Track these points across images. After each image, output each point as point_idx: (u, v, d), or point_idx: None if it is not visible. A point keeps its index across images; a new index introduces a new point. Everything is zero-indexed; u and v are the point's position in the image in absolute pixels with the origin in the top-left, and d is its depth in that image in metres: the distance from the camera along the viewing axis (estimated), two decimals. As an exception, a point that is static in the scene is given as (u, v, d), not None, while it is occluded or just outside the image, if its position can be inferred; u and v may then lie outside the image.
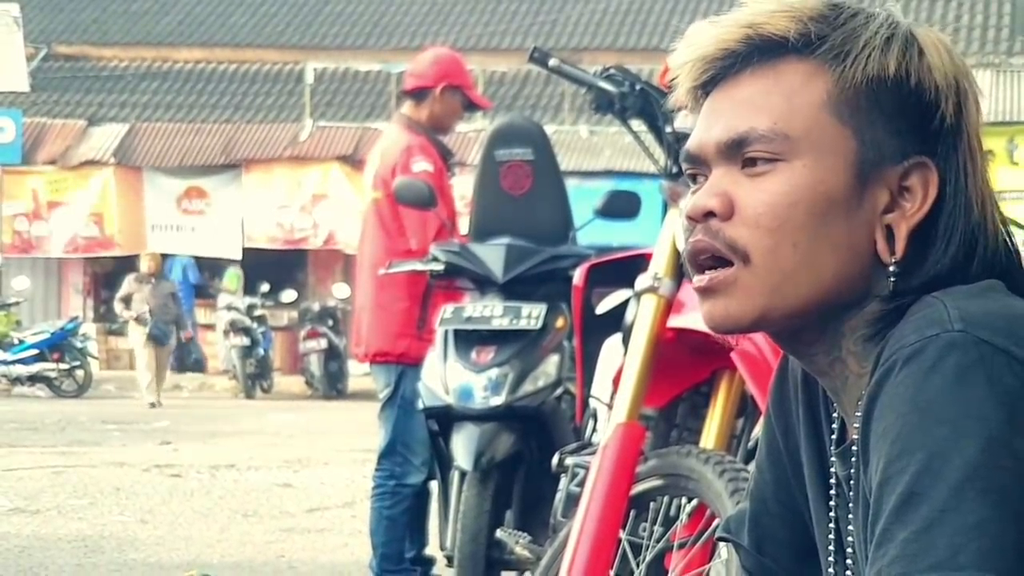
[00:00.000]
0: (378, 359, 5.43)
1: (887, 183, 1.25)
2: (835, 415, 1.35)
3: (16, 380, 19.02)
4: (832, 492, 1.34)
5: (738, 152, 1.26)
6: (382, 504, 5.42)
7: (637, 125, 3.64)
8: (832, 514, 1.35)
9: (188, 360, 21.03)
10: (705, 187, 1.28)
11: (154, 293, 17.85)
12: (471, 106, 5.61)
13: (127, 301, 17.90)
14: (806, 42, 1.26)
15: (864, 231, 1.25)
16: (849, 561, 1.33)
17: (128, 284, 18.12)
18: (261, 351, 19.73)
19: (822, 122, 1.25)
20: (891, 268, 1.25)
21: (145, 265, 18.22)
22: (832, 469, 1.34)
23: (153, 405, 16.82)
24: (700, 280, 1.27)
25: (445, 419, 4.70)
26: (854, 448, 1.27)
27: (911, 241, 1.26)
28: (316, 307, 20.59)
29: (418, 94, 5.47)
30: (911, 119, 1.25)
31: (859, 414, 1.24)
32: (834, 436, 1.35)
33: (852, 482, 1.29)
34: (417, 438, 5.26)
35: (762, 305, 1.25)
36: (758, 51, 1.27)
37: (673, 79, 1.32)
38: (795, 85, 1.26)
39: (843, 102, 1.25)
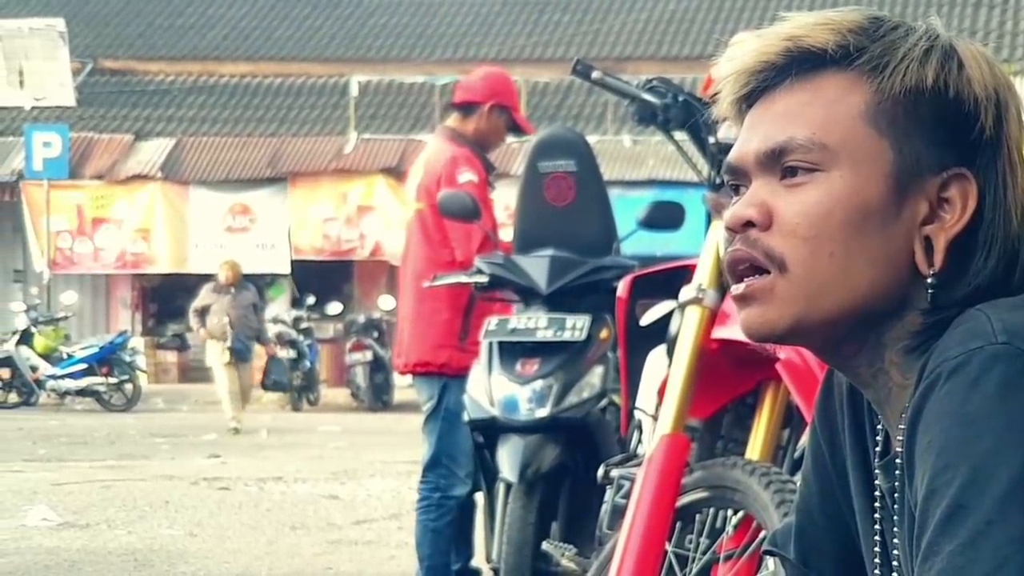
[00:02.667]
0: (419, 370, 5.44)
1: (926, 194, 1.25)
2: (880, 427, 1.34)
3: (65, 394, 19.15)
4: (877, 504, 1.34)
5: (777, 163, 1.27)
6: (427, 516, 5.43)
7: (680, 136, 3.63)
8: (877, 527, 1.34)
9: (268, 380, 19.02)
10: (744, 198, 1.29)
11: (234, 304, 16.05)
12: (515, 129, 5.61)
13: (203, 313, 16.11)
14: (844, 54, 1.26)
15: (902, 242, 1.25)
16: (895, 572, 1.32)
17: (205, 294, 16.33)
18: (307, 363, 19.79)
19: (860, 133, 1.25)
20: (929, 280, 1.25)
21: (223, 274, 16.36)
22: (876, 482, 1.34)
23: (237, 431, 14.91)
24: (737, 288, 1.28)
25: (490, 431, 4.70)
26: (898, 461, 1.27)
27: (950, 252, 1.25)
28: (362, 319, 20.64)
29: (466, 108, 5.49)
30: (950, 131, 1.25)
31: (903, 427, 1.24)
32: (878, 448, 1.34)
33: (896, 495, 1.29)
34: (461, 450, 5.27)
35: (798, 313, 1.26)
36: (798, 64, 1.27)
37: (715, 92, 1.33)
38: (834, 96, 1.26)
39: (881, 113, 1.25)
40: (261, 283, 21.79)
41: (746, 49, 1.29)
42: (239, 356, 15.87)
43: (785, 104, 1.27)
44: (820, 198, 1.25)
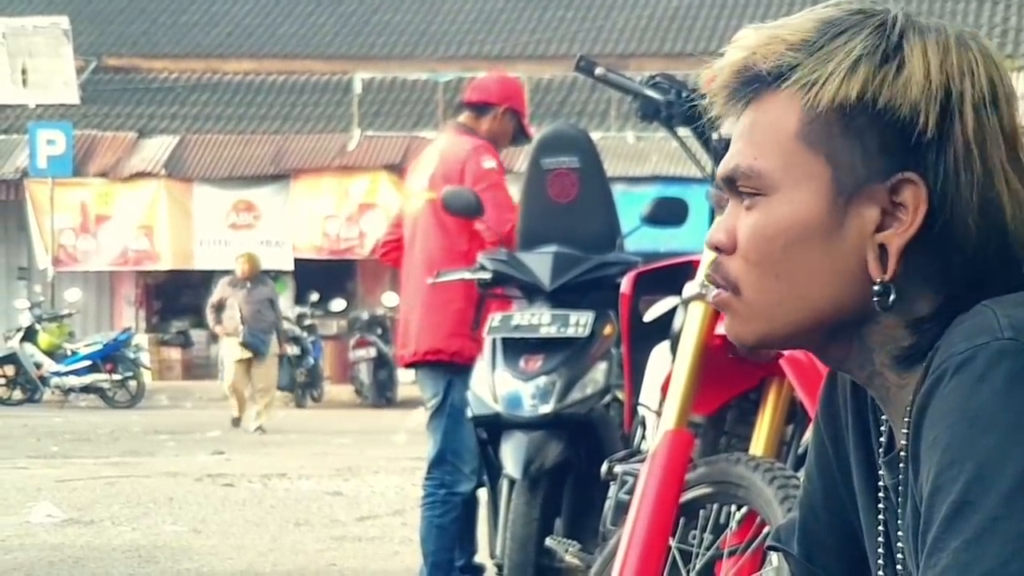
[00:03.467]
0: (429, 359, 5.42)
1: (877, 202, 1.25)
2: (883, 424, 1.34)
3: (69, 391, 19.17)
4: (881, 503, 1.34)
5: (734, 188, 1.30)
6: (432, 513, 5.43)
7: (683, 132, 3.64)
8: (881, 524, 1.35)
9: (282, 379, 18.39)
10: (718, 220, 1.32)
11: (248, 299, 15.57)
12: (521, 136, 5.62)
13: (219, 308, 15.67)
14: (777, 75, 1.26)
15: (852, 253, 1.25)
16: (899, 568, 1.32)
17: (221, 288, 15.94)
18: (311, 360, 19.80)
19: (795, 153, 1.26)
20: (875, 287, 1.25)
21: (240, 268, 15.92)
22: (880, 478, 1.34)
23: (261, 429, 14.74)
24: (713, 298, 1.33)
25: (494, 427, 4.70)
26: (902, 455, 1.27)
27: (912, 257, 1.24)
28: (365, 316, 20.66)
29: (480, 107, 5.55)
30: (886, 138, 1.24)
31: (908, 420, 1.24)
32: (882, 444, 1.34)
33: (900, 490, 1.29)
34: (467, 446, 5.27)
35: (757, 330, 1.29)
36: (748, 85, 1.28)
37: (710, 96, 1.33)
38: (772, 118, 1.27)
39: (813, 131, 1.25)
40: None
41: (711, 73, 1.30)
42: (255, 350, 15.40)
43: (740, 128, 1.29)
44: (763, 223, 1.26)
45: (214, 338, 17.60)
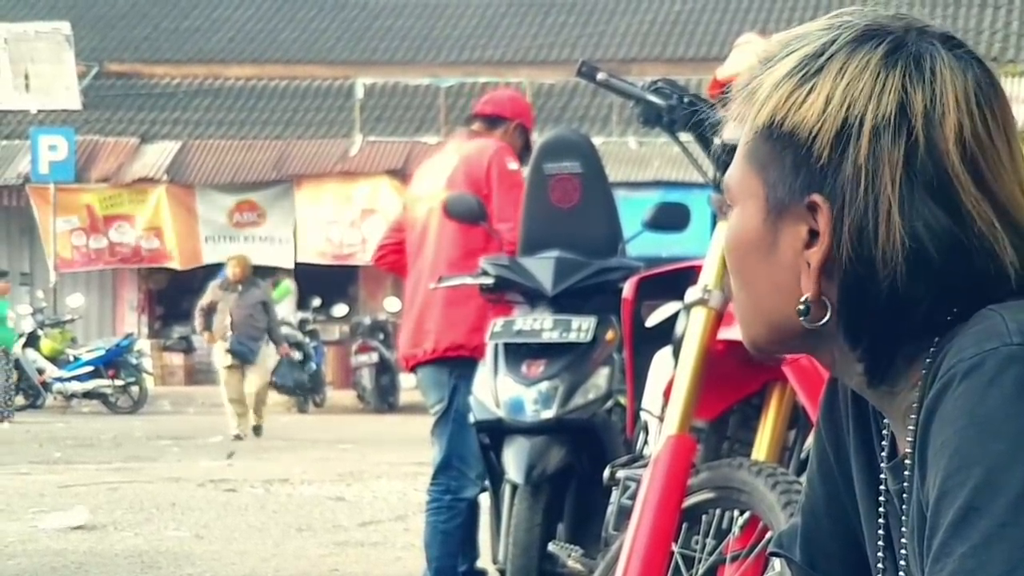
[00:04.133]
0: (449, 354, 5.38)
1: (804, 220, 1.27)
2: (885, 432, 1.35)
3: (72, 397, 19.17)
4: (882, 507, 1.34)
5: None
6: (438, 518, 5.43)
7: (685, 137, 3.64)
8: (881, 531, 1.35)
9: (275, 380, 18.06)
10: None
11: (239, 303, 15.01)
12: (525, 155, 5.64)
13: (208, 313, 15.15)
14: (749, 90, 1.31)
15: (789, 268, 1.28)
16: (902, 574, 1.32)
17: (212, 292, 15.38)
18: (313, 366, 19.79)
19: (743, 171, 1.31)
20: (799, 305, 1.27)
21: (231, 270, 15.33)
22: (882, 484, 1.34)
23: (239, 436, 14.40)
24: None
25: (496, 433, 4.71)
26: (907, 462, 1.27)
27: (843, 276, 1.25)
28: (367, 321, 20.66)
29: (493, 120, 5.60)
30: (797, 160, 1.27)
31: (912, 428, 1.24)
32: (884, 451, 1.35)
33: (905, 496, 1.29)
34: (472, 452, 5.27)
35: (747, 334, 1.34)
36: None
37: (725, 94, 1.36)
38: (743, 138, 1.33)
39: (751, 151, 1.30)
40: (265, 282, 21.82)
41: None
42: (242, 358, 14.91)
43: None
44: (728, 234, 1.33)
45: (188, 347, 17.19)
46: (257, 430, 14.57)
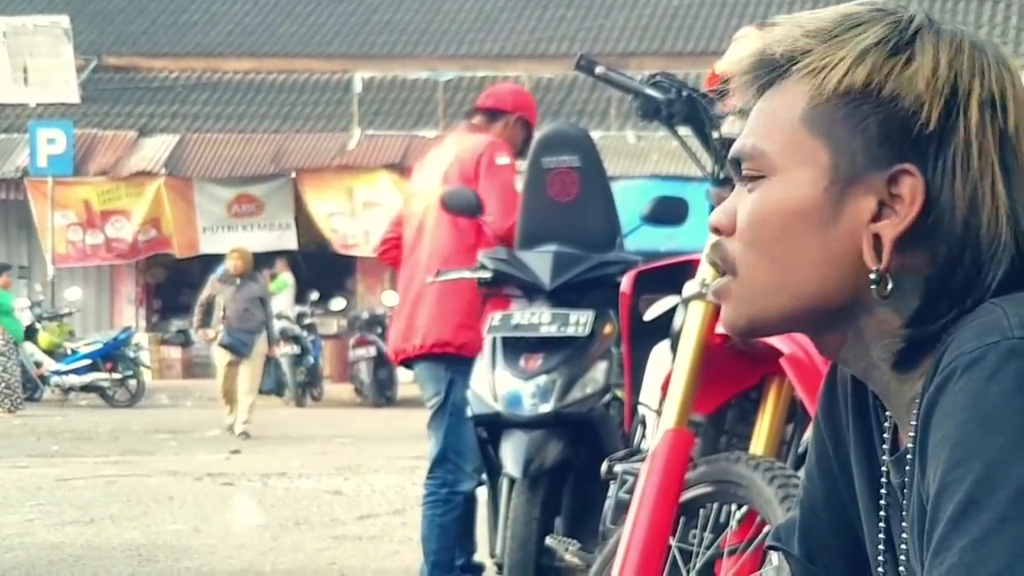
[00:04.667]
0: (435, 351, 5.40)
1: (874, 191, 1.25)
2: (887, 424, 1.34)
3: (69, 390, 19.17)
4: (883, 501, 1.34)
5: (739, 169, 1.32)
6: (435, 512, 5.44)
7: (684, 131, 3.63)
8: (882, 524, 1.34)
9: (267, 382, 17.66)
10: (721, 204, 1.33)
11: (236, 296, 14.58)
12: (527, 148, 5.63)
13: (208, 308, 14.79)
14: (790, 58, 1.29)
15: (847, 241, 1.26)
16: (901, 569, 1.32)
17: (211, 285, 14.96)
18: (311, 359, 19.79)
19: (797, 137, 1.27)
20: (871, 276, 1.25)
21: (232, 263, 14.87)
22: (883, 477, 1.34)
23: (245, 434, 14.03)
24: (711, 287, 1.35)
25: (494, 426, 4.71)
26: (909, 456, 1.27)
27: (907, 249, 1.25)
28: (365, 315, 20.66)
29: (493, 114, 5.60)
30: (889, 128, 1.25)
31: (914, 423, 1.24)
32: (886, 444, 1.34)
33: (906, 490, 1.29)
34: (468, 445, 5.27)
35: (749, 313, 1.29)
36: (765, 72, 1.30)
37: (722, 88, 1.36)
38: (780, 103, 1.29)
39: (817, 116, 1.27)
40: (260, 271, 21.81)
41: (733, 60, 1.34)
42: (236, 352, 14.50)
43: (753, 113, 1.31)
44: (760, 204, 1.28)
45: (186, 341, 16.69)
46: (243, 434, 14.06)
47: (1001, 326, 1.19)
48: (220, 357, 14.74)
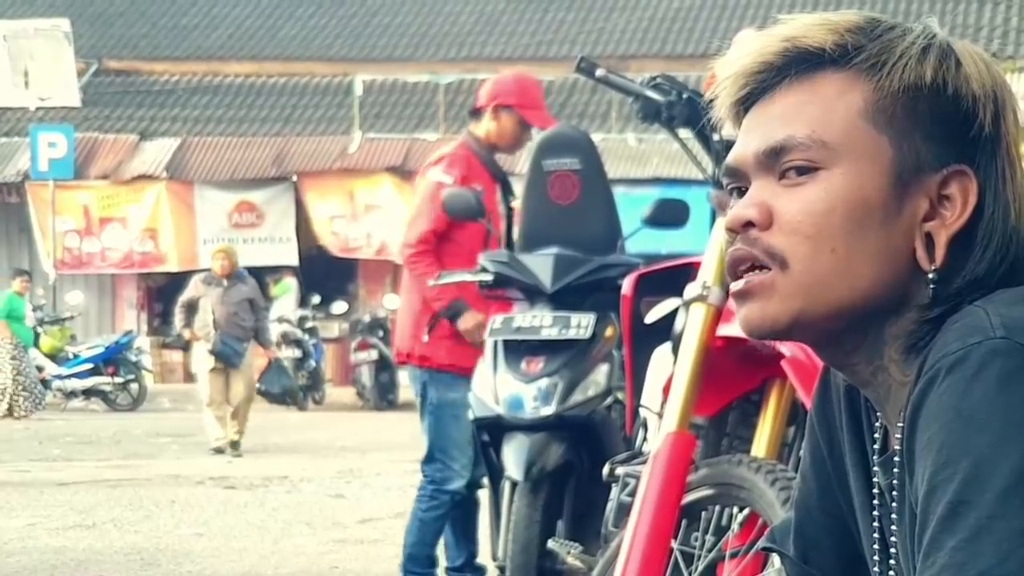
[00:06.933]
0: (399, 360, 5.73)
1: (927, 191, 1.26)
2: (877, 424, 1.35)
3: (71, 394, 19.16)
4: (875, 501, 1.34)
5: (776, 162, 1.28)
6: (418, 506, 5.58)
7: (684, 134, 3.64)
8: (876, 524, 1.35)
9: (262, 386, 17.07)
10: (744, 198, 1.30)
11: (224, 299, 13.21)
12: (522, 132, 5.61)
13: (190, 309, 13.38)
14: (842, 53, 1.27)
15: (903, 238, 1.26)
16: (894, 571, 1.33)
17: (194, 286, 13.57)
18: (312, 363, 19.78)
19: (859, 130, 1.26)
20: (930, 276, 1.26)
21: (217, 263, 13.47)
22: (875, 478, 1.34)
23: (220, 451, 12.58)
24: (737, 284, 1.29)
25: (496, 429, 4.71)
26: (896, 459, 1.27)
27: (950, 248, 1.26)
28: (367, 318, 20.65)
29: (476, 113, 5.62)
30: (949, 128, 1.26)
31: (901, 424, 1.24)
32: (876, 445, 1.35)
33: (895, 492, 1.29)
34: (454, 443, 5.38)
35: (798, 307, 1.26)
36: (796, 64, 1.29)
37: (713, 96, 1.34)
38: (832, 95, 1.27)
39: (880, 111, 1.26)
40: (263, 280, 21.80)
41: (743, 51, 1.31)
42: (226, 361, 13.09)
43: (783, 104, 1.28)
44: (821, 195, 1.26)
45: (186, 344, 15.07)
46: (235, 445, 12.73)
47: (983, 327, 1.20)
48: (205, 362, 13.25)
